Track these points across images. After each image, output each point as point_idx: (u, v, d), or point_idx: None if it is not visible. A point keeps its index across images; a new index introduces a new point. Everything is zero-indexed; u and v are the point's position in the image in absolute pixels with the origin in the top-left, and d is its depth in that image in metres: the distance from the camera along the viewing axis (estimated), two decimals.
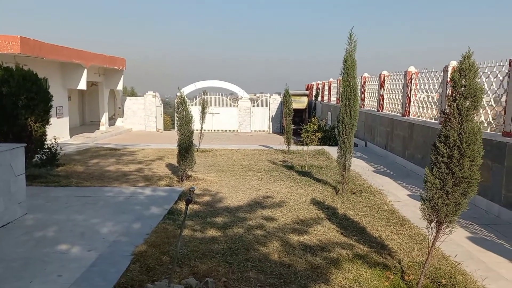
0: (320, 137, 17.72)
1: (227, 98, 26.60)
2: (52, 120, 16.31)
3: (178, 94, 9.25)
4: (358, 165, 11.54)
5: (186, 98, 9.55)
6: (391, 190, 8.81)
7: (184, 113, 9.03)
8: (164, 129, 25.55)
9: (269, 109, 26.04)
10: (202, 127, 14.55)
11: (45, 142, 9.85)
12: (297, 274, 4.76)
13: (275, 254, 5.31)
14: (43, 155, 10.50)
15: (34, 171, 9.42)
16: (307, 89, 29.86)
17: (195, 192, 8.15)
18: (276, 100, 25.98)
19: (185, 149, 9.04)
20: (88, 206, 7.11)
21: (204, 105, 14.57)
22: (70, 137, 18.87)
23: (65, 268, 4.66)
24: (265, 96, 26.96)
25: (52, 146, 10.75)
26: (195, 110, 15.66)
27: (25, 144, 6.72)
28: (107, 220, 6.37)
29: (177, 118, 9.12)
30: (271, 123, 26.09)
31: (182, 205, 7.35)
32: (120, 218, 6.47)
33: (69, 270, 4.61)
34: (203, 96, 15.42)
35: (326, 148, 15.24)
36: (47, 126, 9.78)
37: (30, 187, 8.13)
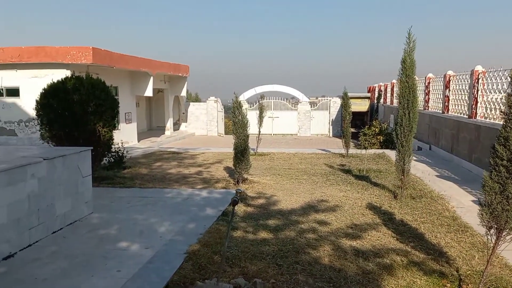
0: (381, 140, 17.23)
1: (287, 102, 26.68)
2: (122, 125, 17.20)
3: (234, 98, 9.47)
4: (420, 169, 11.07)
5: (242, 103, 9.75)
6: (454, 196, 8.37)
7: (239, 117, 9.21)
8: (225, 133, 26.14)
9: (329, 113, 25.73)
10: (259, 131, 14.72)
11: (112, 146, 10.48)
12: (347, 279, 4.69)
13: (325, 258, 5.27)
14: (111, 158, 11.17)
15: (102, 173, 10.06)
16: (369, 91, 29.16)
17: (248, 194, 8.31)
18: (336, 103, 25.63)
19: (241, 153, 9.21)
20: (148, 207, 7.48)
21: (261, 109, 14.73)
22: (138, 141, 19.90)
23: (124, 264, 4.94)
24: (325, 99, 26.72)
25: (119, 150, 11.41)
26: (254, 115, 15.85)
27: (91, 148, 7.21)
28: (165, 220, 6.66)
29: (233, 122, 9.32)
30: (331, 127, 25.77)
31: (236, 207, 7.48)
32: (177, 218, 6.74)
33: (127, 266, 4.88)
34: (260, 101, 15.60)
35: (387, 151, 14.77)
36: (114, 131, 10.40)
37: (98, 188, 8.70)
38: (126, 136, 18.13)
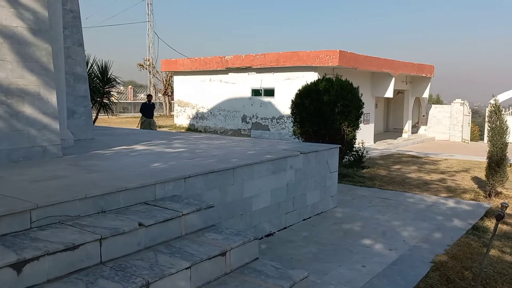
0: None
1: None
2: (360, 125, 17.69)
3: (492, 101, 8.48)
4: None
5: (500, 107, 8.66)
6: None
7: (497, 122, 8.21)
8: (471, 140, 23.63)
9: None
10: None
11: (354, 146, 10.87)
12: None
13: None
14: (351, 157, 11.60)
15: (343, 170, 10.54)
16: None
17: (506, 210, 7.32)
18: None
19: (496, 163, 8.21)
20: (389, 208, 7.47)
21: None
22: (374, 143, 20.01)
23: (368, 261, 5.09)
24: None
25: (359, 150, 11.74)
26: (510, 120, 13.86)
27: (340, 146, 7.67)
28: (407, 225, 6.53)
29: (489, 128, 8.38)
30: None
31: (489, 223, 6.75)
32: (420, 225, 6.51)
33: (371, 263, 5.02)
34: None
35: None
36: (356, 131, 10.78)
37: (339, 184, 9.12)
38: (362, 136, 18.40)
